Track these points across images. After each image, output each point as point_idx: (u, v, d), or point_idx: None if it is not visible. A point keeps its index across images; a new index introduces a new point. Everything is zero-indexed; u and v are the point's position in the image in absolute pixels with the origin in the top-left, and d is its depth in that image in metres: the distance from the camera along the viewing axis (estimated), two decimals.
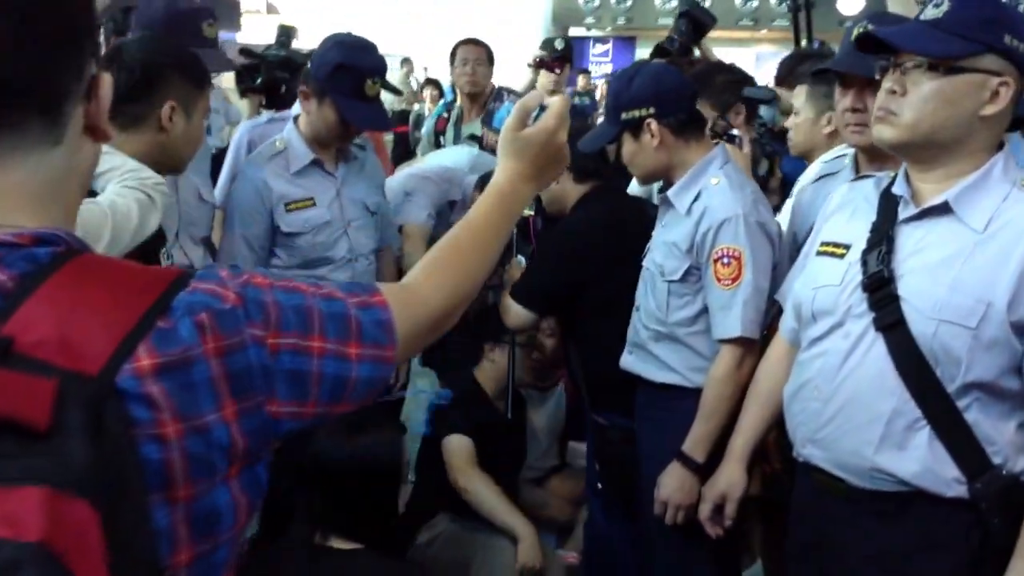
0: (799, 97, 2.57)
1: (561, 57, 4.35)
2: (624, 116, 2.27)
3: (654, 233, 2.37)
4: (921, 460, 1.58)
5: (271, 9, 12.89)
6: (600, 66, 15.39)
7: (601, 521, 2.84)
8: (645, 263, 2.35)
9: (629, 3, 14.47)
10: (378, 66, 2.63)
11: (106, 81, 0.82)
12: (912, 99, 1.58)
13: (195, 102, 2.03)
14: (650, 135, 2.25)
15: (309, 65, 2.68)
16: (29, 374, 0.68)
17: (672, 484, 2.20)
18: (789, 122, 2.63)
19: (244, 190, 2.64)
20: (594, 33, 16.02)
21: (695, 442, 2.18)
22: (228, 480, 0.79)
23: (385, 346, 0.91)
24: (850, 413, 1.66)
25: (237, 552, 0.83)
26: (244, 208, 2.62)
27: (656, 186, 2.71)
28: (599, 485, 2.74)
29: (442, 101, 4.86)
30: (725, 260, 2.15)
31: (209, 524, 0.78)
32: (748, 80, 3.14)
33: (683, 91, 2.32)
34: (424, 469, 2.88)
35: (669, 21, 6.81)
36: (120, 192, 1.73)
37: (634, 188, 3.00)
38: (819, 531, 1.75)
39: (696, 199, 2.23)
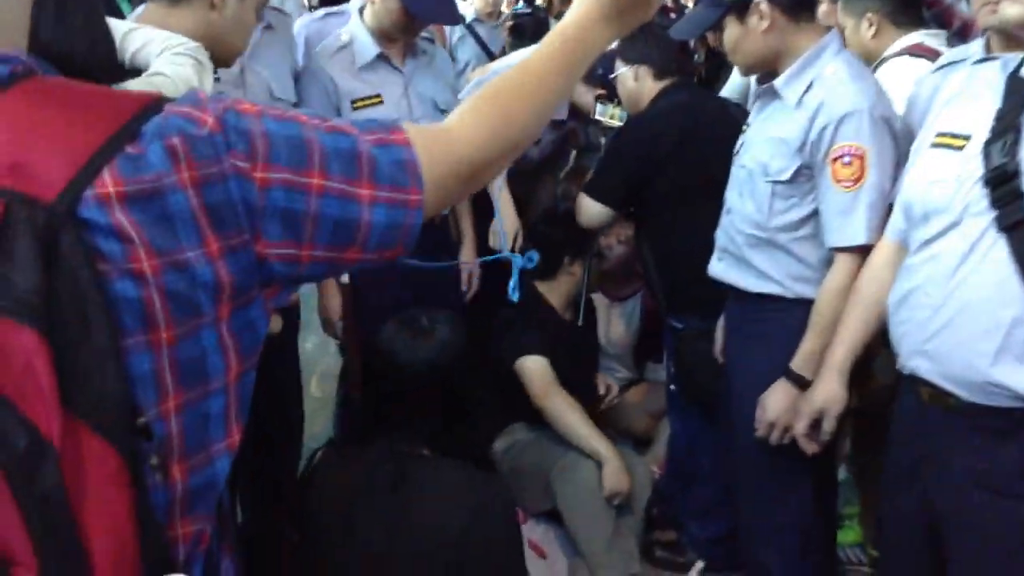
0: (837, 15, 2.48)
1: None
2: None
3: (748, 128, 2.17)
4: None
5: None
6: None
7: (677, 427, 2.78)
8: (740, 161, 2.14)
9: None
10: None
11: None
12: None
13: None
14: (759, 17, 2.02)
15: None
16: None
17: (780, 404, 2.01)
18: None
19: (311, 87, 2.54)
20: None
21: (806, 358, 1.98)
22: (217, 323, 0.73)
23: (407, 188, 0.80)
24: (964, 322, 1.51)
25: (241, 407, 0.77)
26: (311, 106, 2.52)
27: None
28: (672, 387, 2.68)
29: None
30: (846, 159, 1.92)
31: (197, 370, 0.72)
32: None
33: None
34: (494, 379, 2.79)
35: None
36: (173, 60, 1.63)
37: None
38: (924, 451, 1.63)
39: (808, 90, 2.00)
